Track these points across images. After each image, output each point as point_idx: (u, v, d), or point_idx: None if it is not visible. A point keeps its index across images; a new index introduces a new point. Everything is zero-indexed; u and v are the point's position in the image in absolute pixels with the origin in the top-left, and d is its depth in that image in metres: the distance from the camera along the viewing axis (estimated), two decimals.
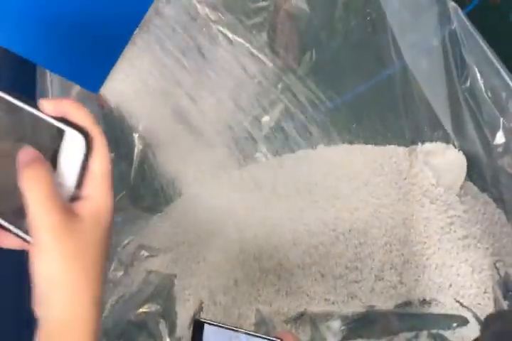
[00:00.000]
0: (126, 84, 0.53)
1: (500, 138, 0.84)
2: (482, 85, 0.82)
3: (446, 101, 0.88)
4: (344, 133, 0.95)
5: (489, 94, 0.83)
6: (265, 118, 0.82)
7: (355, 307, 0.68)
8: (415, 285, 0.72)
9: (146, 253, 0.70)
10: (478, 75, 0.81)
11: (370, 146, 0.95)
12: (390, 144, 0.96)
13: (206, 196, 0.70)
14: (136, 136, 0.65)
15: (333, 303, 0.69)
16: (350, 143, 0.95)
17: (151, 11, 0.54)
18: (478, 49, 0.74)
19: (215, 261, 0.72)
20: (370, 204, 0.80)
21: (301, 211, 0.78)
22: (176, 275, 0.72)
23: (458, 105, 0.82)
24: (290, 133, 0.86)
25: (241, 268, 0.72)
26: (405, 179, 0.87)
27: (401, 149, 0.95)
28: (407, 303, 0.70)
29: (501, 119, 0.81)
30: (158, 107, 0.59)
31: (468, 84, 0.79)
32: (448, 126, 0.91)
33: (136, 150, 0.66)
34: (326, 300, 0.70)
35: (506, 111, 0.83)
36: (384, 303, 0.69)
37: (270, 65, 0.76)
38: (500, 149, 0.84)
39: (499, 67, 0.79)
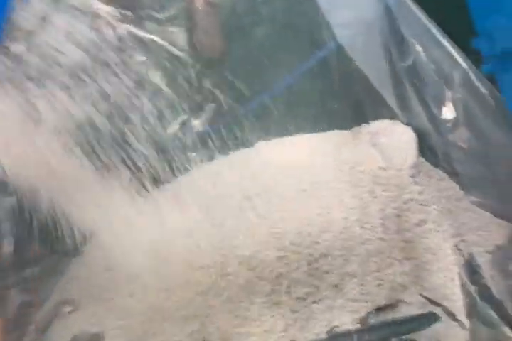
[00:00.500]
0: None
1: (448, 111, 0.79)
2: (424, 58, 0.76)
3: (388, 78, 0.82)
4: (282, 125, 0.87)
5: (432, 66, 0.77)
6: (194, 123, 0.73)
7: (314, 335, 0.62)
8: (377, 291, 0.67)
9: (68, 308, 0.59)
10: (420, 48, 0.74)
11: (310, 135, 0.88)
12: (332, 129, 0.89)
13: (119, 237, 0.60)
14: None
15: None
16: (291, 134, 0.88)
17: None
18: (416, 22, 0.67)
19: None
20: (317, 205, 0.73)
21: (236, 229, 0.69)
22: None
23: (400, 81, 0.75)
24: (223, 135, 0.78)
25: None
26: (353, 168, 0.81)
27: (345, 134, 0.89)
28: (371, 313, 0.64)
29: (447, 92, 0.75)
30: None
31: (409, 58, 0.72)
32: (392, 103, 0.85)
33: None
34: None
35: (452, 83, 0.77)
36: (347, 319, 0.64)
37: (190, 61, 0.67)
38: (449, 124, 0.79)
39: (441, 38, 0.72)
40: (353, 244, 0.71)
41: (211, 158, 0.81)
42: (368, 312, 0.65)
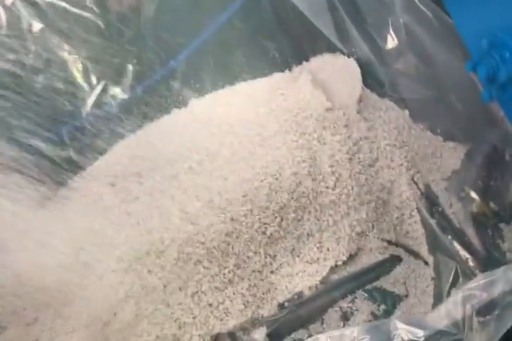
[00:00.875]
0: None
1: (391, 40, 0.73)
2: None
3: (325, 10, 0.75)
4: (216, 76, 0.81)
5: None
6: (114, 91, 0.67)
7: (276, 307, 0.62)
8: (336, 246, 0.65)
9: None
10: None
11: (247, 84, 0.82)
12: (271, 73, 0.83)
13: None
14: None
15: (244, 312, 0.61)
16: (227, 85, 0.81)
17: None
18: None
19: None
20: (264, 163, 0.69)
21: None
22: None
23: (337, 11, 0.69)
24: (150, 99, 0.72)
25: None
26: (298, 114, 0.76)
27: (285, 76, 0.83)
28: (332, 270, 0.64)
29: (389, 18, 0.73)
30: None
31: None
32: (332, 36, 0.80)
33: None
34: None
35: (393, 9, 0.71)
36: (309, 283, 0.63)
37: (99, 21, 0.61)
38: (394, 52, 0.76)
39: None
40: (306, 201, 0.67)
41: (139, 127, 0.75)
42: (329, 270, 0.64)
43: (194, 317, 0.59)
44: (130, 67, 0.75)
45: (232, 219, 0.63)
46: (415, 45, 0.74)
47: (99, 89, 0.74)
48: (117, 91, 0.73)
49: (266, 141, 0.74)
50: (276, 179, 0.69)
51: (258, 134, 0.74)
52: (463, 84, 0.72)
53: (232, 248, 0.62)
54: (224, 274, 0.61)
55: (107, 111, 0.73)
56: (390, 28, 0.74)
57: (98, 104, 0.73)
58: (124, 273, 0.60)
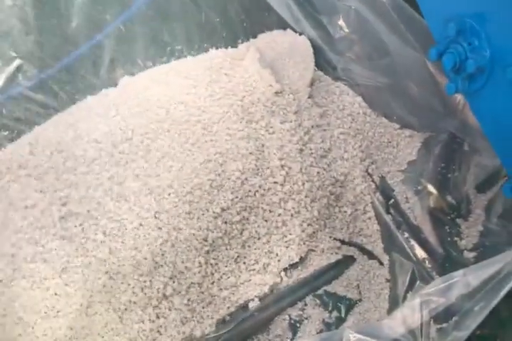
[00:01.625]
0: None
1: (342, 27, 0.71)
2: None
3: None
4: (150, 51, 0.71)
5: None
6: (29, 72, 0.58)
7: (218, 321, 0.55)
8: (285, 250, 0.59)
9: None
10: None
11: (186, 60, 0.72)
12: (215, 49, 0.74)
13: None
14: None
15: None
16: (163, 62, 0.72)
17: None
18: None
19: None
20: (206, 156, 0.61)
21: None
22: None
23: None
24: (73, 78, 0.62)
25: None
26: (244, 98, 0.67)
27: (230, 53, 0.73)
28: (280, 277, 0.58)
29: (339, 4, 0.69)
30: None
31: None
32: (283, 13, 0.71)
33: None
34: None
35: None
36: (254, 292, 0.57)
37: None
38: (345, 41, 0.72)
39: None
40: (253, 200, 0.60)
41: (61, 110, 0.65)
42: (276, 277, 0.58)
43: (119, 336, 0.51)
44: (49, 42, 0.64)
45: (167, 224, 0.55)
46: (368, 33, 0.69)
47: (12, 66, 0.63)
48: (32, 72, 0.62)
49: (207, 129, 0.65)
50: (219, 175, 0.61)
51: (198, 122, 0.65)
52: (419, 73, 0.67)
53: (166, 258, 0.54)
54: (157, 288, 0.53)
55: (21, 92, 0.62)
56: (341, 16, 0.70)
57: (11, 82, 0.62)
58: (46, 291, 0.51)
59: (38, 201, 0.55)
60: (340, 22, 0.69)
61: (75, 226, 0.55)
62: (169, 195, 0.59)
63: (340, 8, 0.68)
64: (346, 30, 0.69)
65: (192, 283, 0.55)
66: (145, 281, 0.54)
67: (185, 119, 0.66)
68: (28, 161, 0.57)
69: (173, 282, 0.55)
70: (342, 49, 0.71)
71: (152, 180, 0.59)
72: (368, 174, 0.68)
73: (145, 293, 0.53)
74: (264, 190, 0.62)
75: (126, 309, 0.52)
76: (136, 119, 0.64)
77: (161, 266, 0.55)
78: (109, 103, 0.65)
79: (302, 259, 0.60)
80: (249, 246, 0.60)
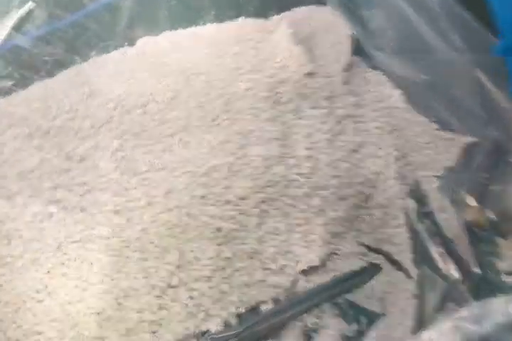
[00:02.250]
0: None
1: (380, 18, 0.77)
2: None
3: None
4: (175, 13, 0.75)
5: None
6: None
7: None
8: (305, 251, 0.63)
9: None
10: None
11: (212, 27, 0.76)
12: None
13: None
14: None
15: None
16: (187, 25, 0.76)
17: None
18: None
19: None
20: (225, 137, 0.65)
21: None
22: None
23: None
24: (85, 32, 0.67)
25: None
26: (271, 75, 0.72)
27: (259, 23, 0.78)
28: (297, 279, 0.62)
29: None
30: None
31: None
32: None
33: None
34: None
35: None
36: (268, 294, 0.61)
37: None
38: (383, 35, 0.78)
39: None
40: (274, 191, 0.65)
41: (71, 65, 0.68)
42: (293, 279, 0.63)
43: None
44: None
45: (178, 207, 0.60)
46: (407, 28, 0.74)
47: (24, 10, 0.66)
48: (43, 17, 0.65)
49: (229, 106, 0.70)
50: (239, 159, 0.66)
51: (220, 96, 0.71)
52: (462, 74, 0.73)
53: (175, 244, 0.60)
54: (162, 277, 0.57)
55: (30, 39, 0.65)
56: (380, 9, 0.76)
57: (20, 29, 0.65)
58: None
59: (37, 165, 0.58)
60: (379, 15, 0.75)
61: (75, 197, 0.57)
62: (183, 173, 0.63)
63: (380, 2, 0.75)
64: (384, 23, 0.75)
65: (201, 275, 0.60)
66: (149, 267, 0.58)
67: (206, 92, 0.71)
68: (31, 118, 0.60)
69: (180, 272, 0.59)
70: (380, 43, 0.77)
71: (165, 155, 0.63)
72: (402, 176, 0.72)
73: (148, 280, 0.57)
74: (288, 181, 0.67)
75: (125, 295, 0.56)
76: (153, 85, 0.69)
77: (169, 252, 0.59)
78: (125, 63, 0.70)
79: (323, 262, 0.65)
80: (266, 243, 0.64)
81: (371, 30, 0.78)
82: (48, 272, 0.56)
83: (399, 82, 0.79)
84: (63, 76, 0.68)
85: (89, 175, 0.60)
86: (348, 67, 0.79)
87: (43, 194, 0.58)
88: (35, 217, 0.58)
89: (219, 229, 0.62)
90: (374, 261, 0.67)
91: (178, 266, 0.59)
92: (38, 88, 0.66)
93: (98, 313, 0.55)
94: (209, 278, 0.60)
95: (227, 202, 0.63)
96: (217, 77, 0.71)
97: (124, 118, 0.65)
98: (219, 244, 0.61)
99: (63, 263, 0.55)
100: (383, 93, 0.79)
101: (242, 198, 0.63)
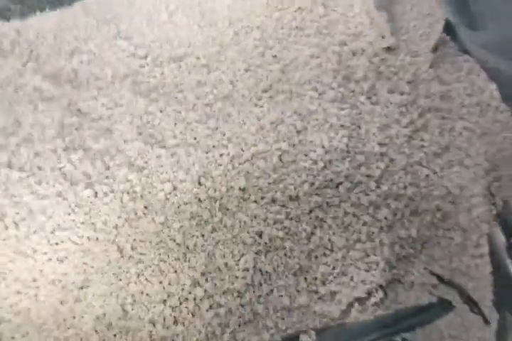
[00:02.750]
0: None
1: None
2: None
3: None
4: None
5: None
6: None
7: None
8: (364, 274, 0.59)
9: None
10: None
11: None
12: None
13: None
14: None
15: None
16: None
17: None
18: None
19: None
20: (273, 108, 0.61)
21: None
22: None
23: None
24: None
25: None
26: (342, 43, 0.68)
27: None
28: (352, 305, 0.59)
29: None
30: None
31: None
32: None
33: None
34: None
35: None
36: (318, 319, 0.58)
37: None
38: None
39: None
40: (334, 194, 0.61)
41: None
42: (349, 303, 0.59)
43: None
44: None
45: (210, 198, 0.56)
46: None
47: None
48: None
49: (287, 75, 0.66)
50: (293, 146, 0.62)
51: (276, 60, 0.66)
52: None
53: (202, 246, 0.55)
54: (182, 284, 0.54)
55: None
56: None
57: None
58: None
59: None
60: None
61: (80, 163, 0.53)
62: (221, 156, 0.59)
63: None
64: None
65: (230, 289, 0.56)
66: (168, 270, 0.54)
67: (259, 52, 0.67)
68: (41, 52, 0.56)
69: (206, 280, 0.55)
70: (477, 27, 0.74)
71: (200, 127, 0.60)
72: (490, 193, 0.69)
73: (163, 287, 0.54)
74: (352, 183, 0.63)
75: (134, 301, 0.53)
76: (193, 34, 0.65)
77: (194, 253, 0.55)
78: (161, 3, 0.65)
79: (383, 290, 0.61)
80: (316, 259, 0.60)
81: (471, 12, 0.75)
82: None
83: (492, 75, 0.75)
84: (85, 7, 0.63)
85: (101, 141, 0.55)
86: (437, 48, 0.74)
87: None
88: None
89: (260, 234, 0.58)
90: (445, 297, 0.63)
91: (204, 273, 0.55)
92: (51, 17, 0.61)
93: (97, 317, 0.52)
94: (240, 294, 0.56)
95: (273, 201, 0.59)
96: (273, 35, 0.67)
97: (155, 72, 0.61)
98: (257, 253, 0.58)
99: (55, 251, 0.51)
100: (475, 85, 0.75)
101: (293, 199, 0.59)
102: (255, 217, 0.58)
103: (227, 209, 0.57)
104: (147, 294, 0.54)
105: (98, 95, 0.60)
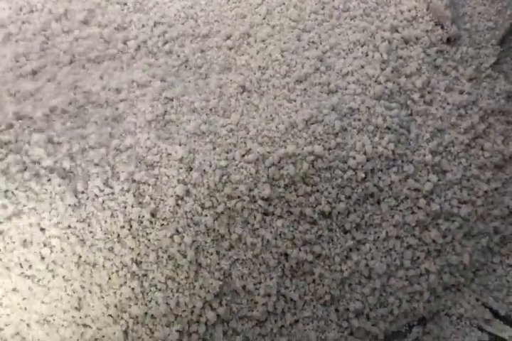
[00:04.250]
0: None
1: None
2: None
3: None
4: None
5: None
6: None
7: None
8: (407, 305, 0.57)
9: None
10: None
11: None
12: None
13: None
14: None
15: None
16: None
17: None
18: None
19: None
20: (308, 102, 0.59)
21: None
22: None
23: None
24: None
25: None
26: (393, 29, 0.66)
27: None
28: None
29: None
30: None
31: None
32: None
33: None
34: None
35: None
36: None
37: None
38: None
39: None
40: (375, 211, 0.59)
41: None
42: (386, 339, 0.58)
43: None
44: None
45: (225, 208, 0.55)
46: None
47: None
48: None
49: (324, 63, 0.64)
50: (329, 150, 0.60)
51: (312, 46, 0.64)
52: None
53: (216, 264, 0.54)
54: (192, 307, 0.53)
55: None
56: None
57: None
58: None
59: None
60: None
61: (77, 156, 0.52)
62: (243, 157, 0.57)
63: None
64: None
65: (248, 316, 0.55)
66: (177, 289, 0.53)
67: (294, 35, 0.64)
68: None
69: (220, 304, 0.54)
70: None
71: (221, 121, 0.59)
72: None
73: (170, 308, 0.53)
74: (397, 198, 0.61)
75: (137, 323, 0.53)
76: (221, 9, 0.65)
77: (207, 273, 0.54)
78: None
79: (425, 324, 0.60)
80: (350, 287, 0.58)
81: None
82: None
83: None
84: None
85: (104, 131, 0.56)
86: (505, 39, 0.72)
87: None
88: None
89: (285, 256, 0.56)
90: (499, 335, 0.61)
91: (218, 295, 0.54)
92: None
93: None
94: (260, 323, 0.55)
95: (303, 217, 0.57)
96: (312, 16, 0.65)
97: (174, 52, 0.61)
98: (282, 277, 0.56)
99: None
100: None
101: (326, 216, 0.58)
102: (280, 236, 0.57)
103: (248, 224, 0.56)
104: (152, 315, 0.53)
105: (105, 75, 0.59)
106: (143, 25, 0.63)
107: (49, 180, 0.55)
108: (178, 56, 0.63)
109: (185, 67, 0.62)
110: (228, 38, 0.64)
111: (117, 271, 0.54)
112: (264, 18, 0.66)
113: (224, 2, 0.66)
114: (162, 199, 0.55)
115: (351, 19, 0.67)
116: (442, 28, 0.68)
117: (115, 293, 0.54)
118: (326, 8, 0.68)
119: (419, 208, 0.61)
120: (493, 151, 0.66)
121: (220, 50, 0.63)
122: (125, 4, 0.65)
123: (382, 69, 0.64)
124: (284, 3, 0.67)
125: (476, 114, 0.66)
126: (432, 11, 0.69)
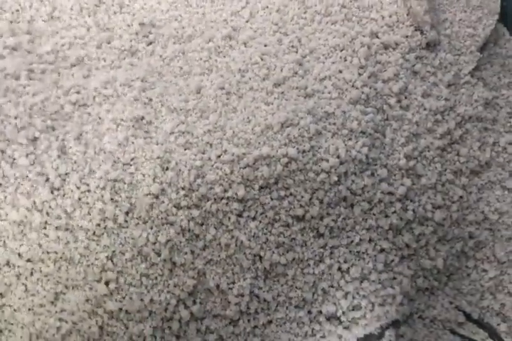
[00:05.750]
0: None
1: None
2: None
3: None
4: None
5: None
6: None
7: None
8: (381, 309, 0.64)
9: None
10: None
11: None
12: None
13: None
14: None
15: None
16: None
17: None
18: None
19: None
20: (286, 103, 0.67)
21: None
22: None
23: None
24: None
25: None
26: (372, 34, 0.73)
27: None
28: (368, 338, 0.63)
29: None
30: None
31: None
32: None
33: None
34: None
35: None
36: None
37: None
38: None
39: None
40: (347, 214, 0.66)
41: None
42: None
43: None
44: None
45: (196, 206, 0.62)
46: None
47: None
48: None
49: (303, 67, 0.70)
50: (303, 153, 0.66)
51: (293, 51, 0.71)
52: None
53: (190, 263, 0.61)
54: (166, 300, 0.60)
55: None
56: None
57: None
58: None
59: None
60: None
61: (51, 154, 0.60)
62: (218, 157, 0.64)
63: None
64: None
65: (222, 315, 0.61)
66: (151, 286, 0.59)
67: (275, 38, 0.71)
68: None
69: (194, 302, 0.60)
70: None
71: (198, 122, 0.65)
72: None
73: (145, 304, 0.59)
74: (370, 202, 0.67)
75: (112, 318, 0.58)
76: (203, 11, 0.72)
77: (181, 272, 0.60)
78: None
79: (399, 327, 0.65)
80: (323, 291, 0.64)
81: None
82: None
83: None
84: None
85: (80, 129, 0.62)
86: (485, 46, 0.79)
87: None
88: None
89: (259, 257, 0.62)
90: (472, 338, 0.67)
91: (192, 294, 0.60)
92: None
93: (69, 334, 0.57)
94: (233, 322, 0.61)
95: (275, 220, 0.63)
96: (294, 20, 0.72)
97: (156, 53, 0.68)
98: (255, 278, 0.62)
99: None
100: None
101: (300, 219, 0.64)
102: (254, 237, 0.62)
103: (222, 225, 0.62)
104: (126, 311, 0.59)
105: (88, 74, 0.65)
106: (128, 26, 0.69)
107: (26, 176, 0.60)
108: (161, 56, 0.69)
109: (167, 67, 0.68)
110: (211, 40, 0.70)
111: (93, 268, 0.59)
112: (247, 21, 0.72)
113: (208, 5, 0.73)
114: (137, 198, 0.61)
115: (332, 24, 0.73)
116: (422, 33, 0.74)
117: (91, 288, 0.59)
118: (308, 12, 0.74)
119: (392, 212, 0.66)
120: (469, 157, 0.72)
121: (202, 51, 0.69)
122: (112, 5, 0.71)
123: (360, 74, 0.70)
124: (267, 7, 0.73)
125: (452, 119, 0.72)
126: (412, 16, 0.74)
